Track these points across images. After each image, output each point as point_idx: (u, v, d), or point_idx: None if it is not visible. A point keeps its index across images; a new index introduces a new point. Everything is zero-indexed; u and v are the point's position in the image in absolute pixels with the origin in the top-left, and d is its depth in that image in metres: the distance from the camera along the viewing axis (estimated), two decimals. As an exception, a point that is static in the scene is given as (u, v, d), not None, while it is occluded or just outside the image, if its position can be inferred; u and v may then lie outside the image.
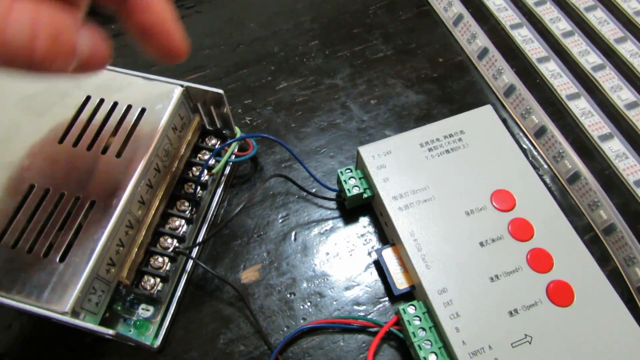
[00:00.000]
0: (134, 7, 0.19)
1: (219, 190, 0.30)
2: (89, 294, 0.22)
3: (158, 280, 0.26)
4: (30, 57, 0.15)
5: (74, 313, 0.22)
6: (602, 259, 0.29)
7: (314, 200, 0.30)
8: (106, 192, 0.24)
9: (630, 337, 0.23)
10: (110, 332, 0.21)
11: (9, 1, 0.14)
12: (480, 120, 0.30)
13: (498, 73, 0.36)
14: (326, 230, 0.30)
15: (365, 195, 0.28)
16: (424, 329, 0.24)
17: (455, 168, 0.28)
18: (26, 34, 0.14)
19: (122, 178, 0.24)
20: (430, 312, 0.24)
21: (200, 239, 0.28)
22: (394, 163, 0.28)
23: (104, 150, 0.25)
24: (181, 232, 0.27)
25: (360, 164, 0.29)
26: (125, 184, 0.24)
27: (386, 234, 0.29)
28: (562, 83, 0.36)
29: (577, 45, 0.38)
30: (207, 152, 0.30)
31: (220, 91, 0.27)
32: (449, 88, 0.36)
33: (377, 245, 0.29)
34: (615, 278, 0.29)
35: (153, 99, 0.27)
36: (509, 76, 0.35)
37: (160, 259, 0.26)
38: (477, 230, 0.26)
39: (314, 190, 0.30)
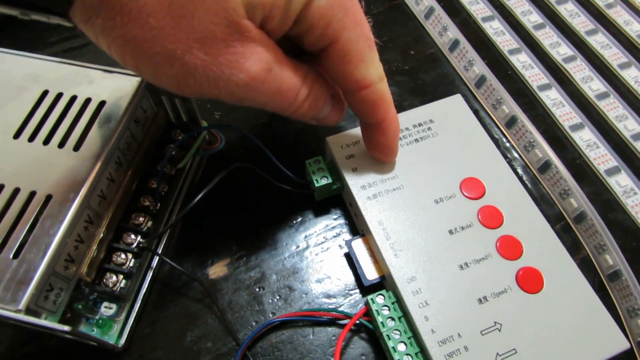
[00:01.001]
0: (375, 129, 0.25)
1: (186, 185, 0.29)
2: (45, 292, 0.21)
3: (121, 277, 0.25)
4: (295, 109, 0.22)
5: (30, 311, 0.21)
6: (573, 247, 0.29)
7: (283, 193, 0.30)
8: (63, 186, 0.23)
9: (599, 323, 0.23)
10: (66, 328, 0.20)
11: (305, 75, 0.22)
12: (449, 109, 0.29)
13: (469, 64, 0.36)
14: (295, 223, 0.29)
15: (334, 187, 0.28)
16: (393, 319, 0.23)
17: (424, 157, 0.27)
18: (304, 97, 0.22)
19: (80, 172, 0.23)
20: (399, 301, 0.24)
21: (165, 235, 0.27)
22: (362, 152, 0.27)
23: (61, 145, 0.24)
24: (145, 228, 0.26)
25: (328, 154, 0.28)
26: (83, 178, 0.23)
27: (356, 225, 0.28)
28: (533, 74, 0.36)
29: (548, 38, 0.38)
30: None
31: (183, 82, 0.26)
32: (421, 80, 0.36)
33: (348, 237, 0.29)
34: (586, 266, 0.29)
35: (113, 91, 0.26)
36: (479, 67, 0.35)
37: (123, 256, 0.25)
38: (446, 218, 0.25)
39: (282, 183, 0.30)
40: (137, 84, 0.26)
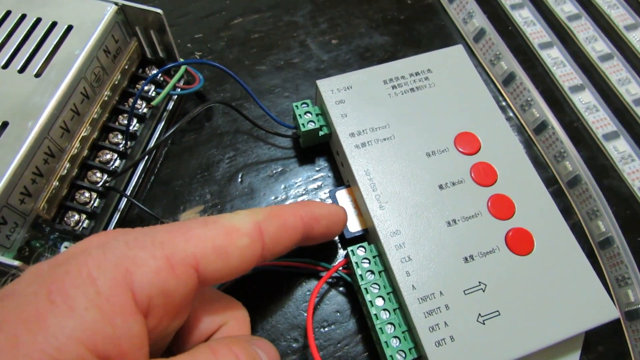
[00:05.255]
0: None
1: (160, 127, 0.27)
2: (-3, 225, 0.20)
3: (84, 216, 0.23)
4: None
5: (-22, 245, 0.19)
6: (565, 212, 0.28)
7: (266, 140, 0.28)
8: (21, 114, 0.21)
9: (589, 291, 0.22)
10: (16, 263, 0.19)
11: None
12: (449, 60, 0.28)
13: (468, 16, 0.34)
14: (276, 172, 0.27)
15: (321, 133, 0.26)
16: (372, 272, 0.22)
17: (419, 107, 0.26)
18: None
19: (40, 100, 0.21)
20: (381, 255, 0.22)
21: (135, 177, 0.26)
22: (354, 99, 0.26)
23: (22, 70, 0.22)
24: (113, 167, 0.24)
25: (318, 99, 0.26)
26: (44, 106, 0.21)
27: (342, 176, 0.27)
28: (535, 31, 0.34)
29: (553, -6, 0.36)
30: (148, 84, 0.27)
31: (159, 11, 0.24)
32: (416, 31, 0.34)
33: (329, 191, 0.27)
34: (577, 232, 0.27)
35: (82, 16, 0.24)
36: (479, 20, 0.33)
37: (87, 194, 0.23)
38: (437, 173, 0.24)
39: (266, 128, 0.28)
40: (109, 9, 0.24)
